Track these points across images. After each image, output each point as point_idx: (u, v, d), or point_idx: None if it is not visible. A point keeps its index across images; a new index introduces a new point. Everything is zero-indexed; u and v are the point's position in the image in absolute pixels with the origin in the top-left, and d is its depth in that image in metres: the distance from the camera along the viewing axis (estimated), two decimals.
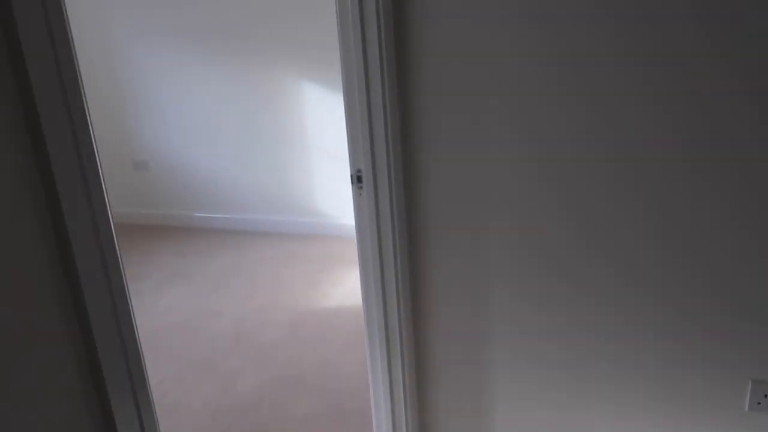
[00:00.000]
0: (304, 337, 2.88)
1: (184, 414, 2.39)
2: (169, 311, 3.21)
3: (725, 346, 1.56)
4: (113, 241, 1.16)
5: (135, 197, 4.66)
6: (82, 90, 1.12)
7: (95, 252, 1.13)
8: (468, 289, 1.69)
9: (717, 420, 1.64)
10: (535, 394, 1.77)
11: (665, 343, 1.60)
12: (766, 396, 1.55)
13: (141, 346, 1.24)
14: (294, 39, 3.77)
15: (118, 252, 1.17)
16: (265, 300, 3.27)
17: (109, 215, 1.15)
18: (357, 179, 1.59)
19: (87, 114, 1.15)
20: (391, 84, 1.50)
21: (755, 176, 1.41)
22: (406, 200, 1.62)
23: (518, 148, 1.53)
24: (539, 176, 1.53)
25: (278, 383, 2.54)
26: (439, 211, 1.62)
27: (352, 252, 3.83)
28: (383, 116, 1.51)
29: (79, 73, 1.10)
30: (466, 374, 1.82)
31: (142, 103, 4.34)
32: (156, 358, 2.78)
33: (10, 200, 1.04)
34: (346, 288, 3.35)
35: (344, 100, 1.55)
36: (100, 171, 1.17)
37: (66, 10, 1.06)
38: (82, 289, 1.11)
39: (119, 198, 4.72)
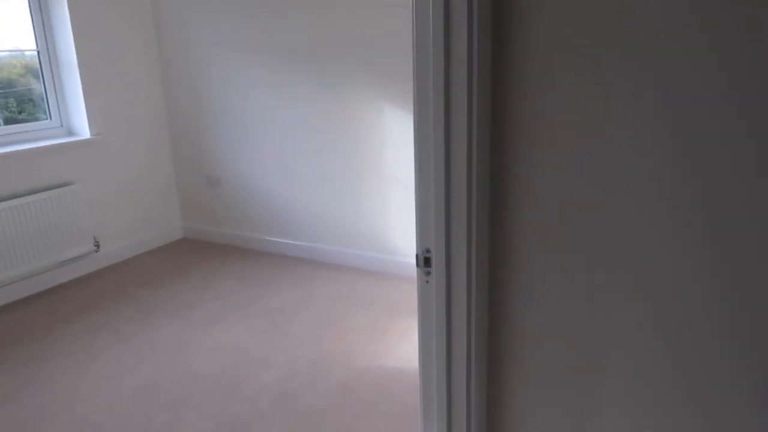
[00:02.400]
0: (357, 404, 2.47)
1: None
2: (216, 352, 2.90)
3: None
4: None
5: (206, 213, 4.46)
6: None
7: None
8: None
9: None
10: None
11: None
12: None
13: None
14: (379, 64, 3.41)
15: None
16: (322, 349, 2.89)
17: None
18: (424, 261, 1.16)
19: None
20: (481, 140, 1.06)
21: None
22: (491, 309, 1.16)
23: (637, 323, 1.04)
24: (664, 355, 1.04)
25: None
26: (534, 332, 1.16)
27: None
28: (466, 185, 1.07)
29: None
30: None
31: (221, 118, 4.14)
32: (191, 410, 2.46)
33: None
34: (412, 344, 2.90)
35: (415, 155, 1.13)
36: None
37: None
38: None
39: (190, 212, 4.54)
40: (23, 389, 2.63)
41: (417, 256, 1.16)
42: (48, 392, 2.60)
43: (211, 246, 4.42)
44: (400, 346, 2.90)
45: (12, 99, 3.78)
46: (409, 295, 3.45)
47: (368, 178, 3.67)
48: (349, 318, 3.20)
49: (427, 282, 1.16)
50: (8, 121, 3.72)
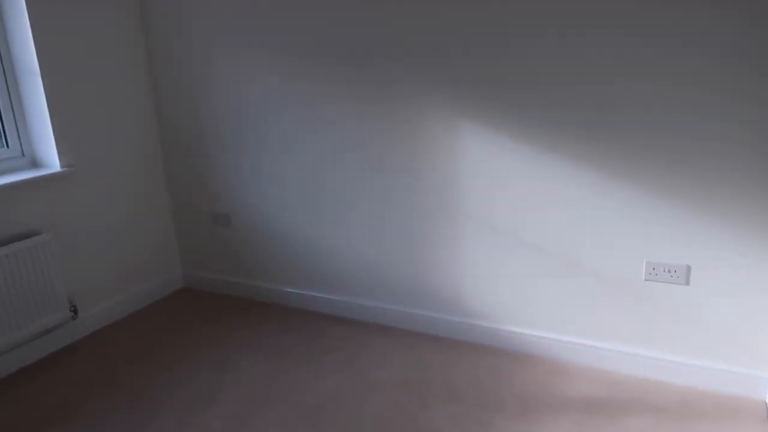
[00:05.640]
0: None
1: None
2: None
3: None
4: None
5: (211, 258, 3.54)
6: None
7: None
8: None
9: None
10: None
11: None
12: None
13: None
14: (454, 65, 2.52)
15: None
16: None
17: None
18: None
19: None
20: None
21: None
22: None
23: None
24: None
25: None
26: None
27: (524, 379, 2.51)
28: None
29: None
30: None
31: (230, 139, 3.22)
32: None
33: None
34: None
35: None
36: None
37: None
38: None
39: (192, 257, 3.62)
40: None
41: None
42: None
43: (219, 299, 3.50)
44: None
45: None
46: (502, 376, 2.57)
47: (435, 215, 2.78)
48: (427, 424, 2.30)
49: None
50: None
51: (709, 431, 2.14)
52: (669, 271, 2.32)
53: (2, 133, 2.90)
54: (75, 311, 3.01)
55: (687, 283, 2.31)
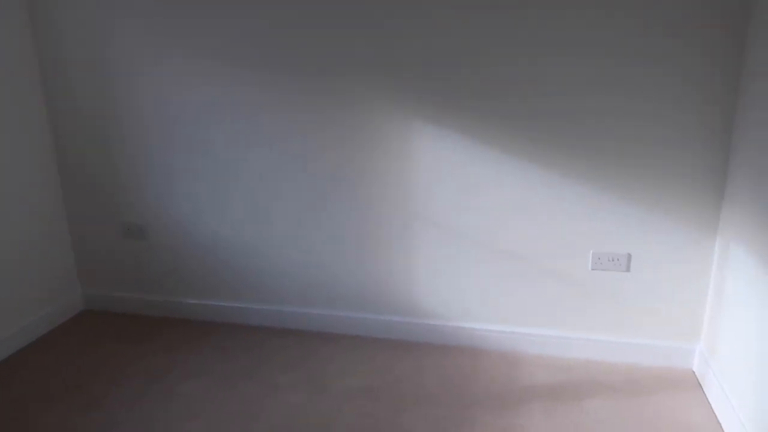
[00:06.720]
0: None
1: None
2: None
3: None
4: None
5: (124, 276, 3.17)
6: None
7: None
8: None
9: None
10: None
11: None
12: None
13: None
14: (407, 51, 2.50)
15: None
16: None
17: None
18: None
19: None
20: None
21: None
22: None
23: None
24: None
25: None
26: None
27: (486, 374, 2.58)
28: None
29: None
30: None
31: (142, 139, 2.90)
32: None
33: None
34: None
35: None
36: None
37: None
38: None
39: (95, 274, 3.22)
40: None
41: None
42: None
43: (135, 320, 3.14)
44: None
45: None
46: (464, 372, 2.60)
47: (385, 214, 2.74)
48: (408, 427, 2.27)
49: None
50: None
51: (657, 402, 2.37)
52: (612, 260, 2.52)
53: None
54: None
55: (628, 269, 2.53)
